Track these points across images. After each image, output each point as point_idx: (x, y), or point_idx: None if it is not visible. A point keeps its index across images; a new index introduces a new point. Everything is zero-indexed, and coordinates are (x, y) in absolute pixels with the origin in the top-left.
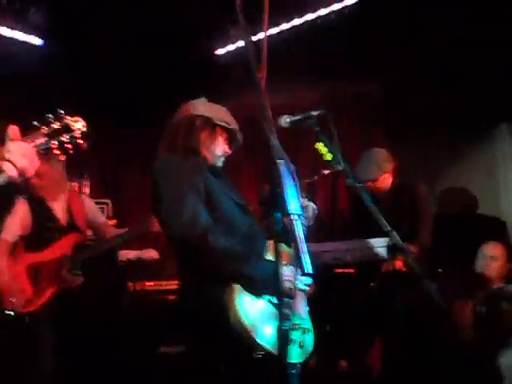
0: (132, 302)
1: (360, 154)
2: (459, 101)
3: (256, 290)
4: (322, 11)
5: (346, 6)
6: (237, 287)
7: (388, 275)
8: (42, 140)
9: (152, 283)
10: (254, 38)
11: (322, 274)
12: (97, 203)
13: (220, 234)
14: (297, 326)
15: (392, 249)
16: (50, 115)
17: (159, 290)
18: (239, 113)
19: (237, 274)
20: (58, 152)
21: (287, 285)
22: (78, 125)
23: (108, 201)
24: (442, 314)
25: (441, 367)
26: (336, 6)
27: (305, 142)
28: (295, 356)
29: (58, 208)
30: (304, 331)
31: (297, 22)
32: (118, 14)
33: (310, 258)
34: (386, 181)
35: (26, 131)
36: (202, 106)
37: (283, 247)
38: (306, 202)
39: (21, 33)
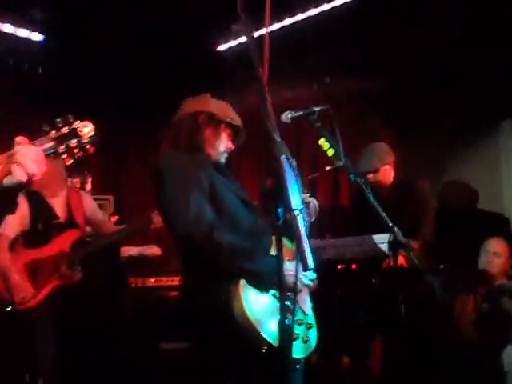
0: (133, 298)
1: (359, 154)
2: (459, 101)
3: (262, 285)
4: (325, 6)
5: (346, 3)
6: (242, 283)
7: (390, 271)
8: (50, 144)
9: (153, 279)
10: (256, 34)
11: (324, 269)
12: (99, 199)
13: (225, 229)
14: (301, 322)
15: (394, 245)
16: (58, 119)
17: (160, 286)
18: (240, 109)
19: (243, 269)
20: (64, 156)
21: (291, 279)
22: (87, 130)
23: (110, 197)
24: (444, 310)
25: (443, 364)
26: (337, 2)
27: (306, 137)
28: (299, 351)
29: (58, 204)
30: (308, 326)
31: (300, 17)
32: (117, 14)
33: (312, 254)
34: (388, 173)
35: (26, 131)
36: (205, 102)
37: (286, 242)
38: (308, 197)
39: (21, 29)
